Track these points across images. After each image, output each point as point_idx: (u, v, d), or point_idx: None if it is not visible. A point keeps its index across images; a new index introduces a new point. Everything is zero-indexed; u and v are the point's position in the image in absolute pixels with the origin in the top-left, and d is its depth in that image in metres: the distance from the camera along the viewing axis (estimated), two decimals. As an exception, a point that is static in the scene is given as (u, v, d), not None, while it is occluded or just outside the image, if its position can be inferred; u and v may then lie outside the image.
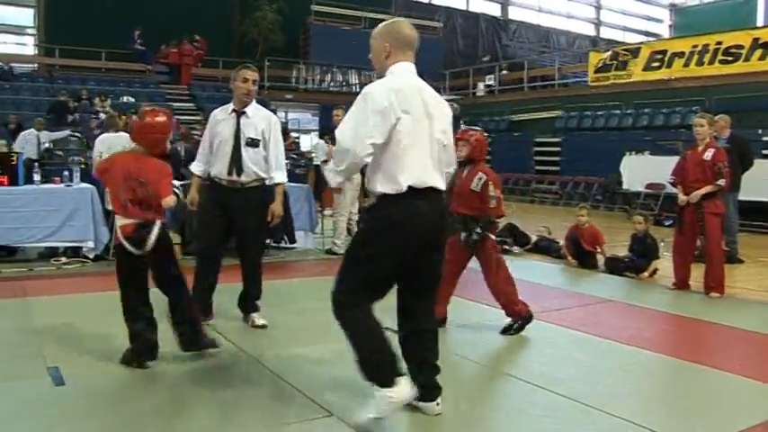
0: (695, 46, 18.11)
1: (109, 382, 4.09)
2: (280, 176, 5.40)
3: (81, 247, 8.07)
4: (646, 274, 7.96)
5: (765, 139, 14.57)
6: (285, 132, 16.24)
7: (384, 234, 3.46)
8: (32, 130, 13.28)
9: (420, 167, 3.45)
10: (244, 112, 5.27)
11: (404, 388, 3.39)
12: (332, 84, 26.99)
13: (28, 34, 25.72)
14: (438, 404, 3.69)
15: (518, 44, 34.81)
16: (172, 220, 8.28)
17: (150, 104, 5.56)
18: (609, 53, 20.70)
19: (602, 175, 17.09)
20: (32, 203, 7.75)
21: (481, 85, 26.09)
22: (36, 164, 8.96)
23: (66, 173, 8.26)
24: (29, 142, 12.61)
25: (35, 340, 4.76)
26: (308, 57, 26.26)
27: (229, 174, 5.17)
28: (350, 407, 3.67)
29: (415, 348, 3.70)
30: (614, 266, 8.22)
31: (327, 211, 10.98)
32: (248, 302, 5.47)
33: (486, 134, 5.61)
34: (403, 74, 3.58)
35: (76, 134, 14.04)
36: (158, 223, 4.16)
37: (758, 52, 16.67)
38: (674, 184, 7.51)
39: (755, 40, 16.86)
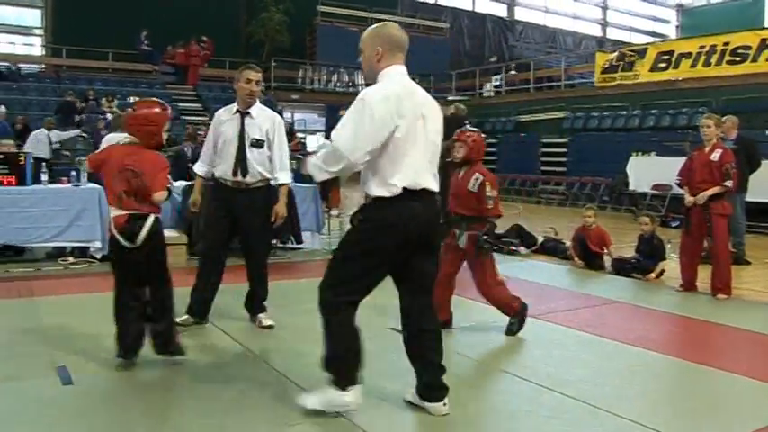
0: (702, 47, 18.05)
1: (116, 381, 4.10)
2: (284, 177, 5.37)
3: (88, 247, 8.08)
4: (653, 275, 7.94)
5: (773, 140, 14.53)
6: (291, 133, 16.29)
7: (377, 236, 3.49)
8: (43, 129, 13.32)
9: (414, 169, 3.47)
10: (248, 113, 5.25)
11: (356, 395, 3.57)
12: (338, 84, 27.02)
13: (35, 35, 25.83)
14: (445, 404, 3.69)
15: (524, 45, 34.83)
16: (179, 220, 8.32)
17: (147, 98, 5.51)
18: (615, 54, 20.66)
19: (608, 176, 17.06)
20: (40, 203, 7.77)
21: (489, 86, 26.08)
22: (44, 163, 9.00)
23: (73, 173, 8.29)
24: (40, 142, 12.66)
25: (43, 340, 4.78)
26: (315, 57, 26.31)
27: (234, 174, 5.17)
28: (361, 408, 3.68)
29: (417, 348, 3.73)
30: (621, 267, 8.21)
31: (334, 212, 11.00)
32: (255, 303, 5.48)
33: (483, 135, 5.59)
34: (396, 78, 3.58)
35: (85, 134, 14.10)
36: (152, 217, 4.13)
37: (766, 53, 16.59)
38: (680, 185, 7.49)
39: (763, 40, 16.79)
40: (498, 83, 26.03)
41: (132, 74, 23.63)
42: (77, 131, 15.10)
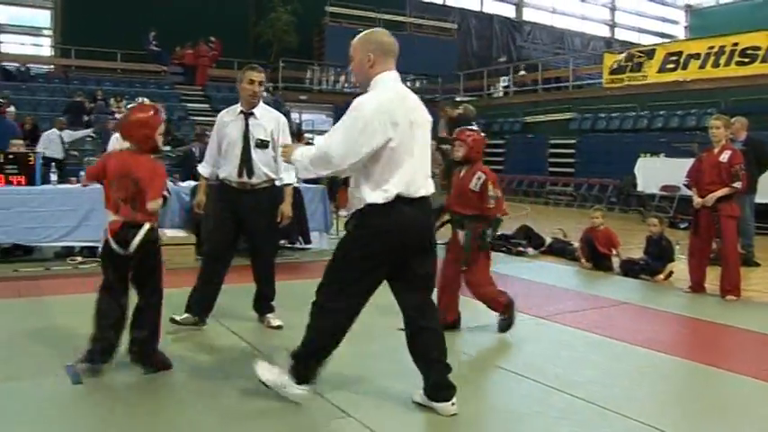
0: (711, 47, 17.99)
1: (125, 380, 4.11)
2: (289, 177, 5.35)
3: (97, 247, 8.07)
4: (661, 276, 7.92)
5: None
6: (300, 133, 16.29)
7: (372, 242, 3.55)
8: (54, 130, 13.35)
9: (407, 175, 3.51)
10: (252, 113, 5.24)
11: (304, 393, 3.73)
12: (346, 85, 27.00)
13: (44, 35, 25.93)
14: (453, 404, 3.70)
15: (532, 45, 34.76)
16: (187, 220, 8.34)
17: (146, 101, 5.43)
18: (623, 55, 20.61)
19: (616, 177, 17.03)
20: (49, 203, 7.81)
21: (499, 86, 26.03)
22: (53, 163, 9.03)
23: (82, 173, 8.32)
24: (52, 142, 12.70)
25: (52, 339, 4.79)
26: (323, 58, 26.31)
27: (239, 175, 5.16)
28: (367, 408, 3.71)
29: (419, 346, 3.75)
30: (629, 269, 8.19)
31: (342, 212, 11.01)
32: (263, 303, 5.48)
33: (483, 134, 5.59)
34: (389, 84, 3.62)
35: (95, 134, 14.14)
36: (147, 225, 4.06)
37: (775, 53, 16.56)
38: (689, 187, 7.47)
39: (772, 41, 16.75)
40: (506, 83, 26.00)
41: (141, 74, 23.68)
42: (89, 131, 15.14)
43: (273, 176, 5.27)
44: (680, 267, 7.93)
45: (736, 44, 17.39)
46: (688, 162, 7.86)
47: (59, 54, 24.54)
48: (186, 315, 5.20)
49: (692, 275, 7.28)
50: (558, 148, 20.62)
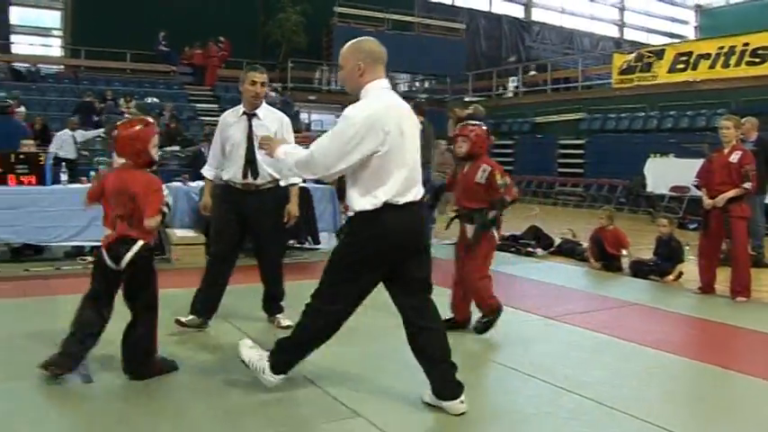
0: (721, 47, 17.91)
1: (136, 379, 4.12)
2: (294, 177, 5.29)
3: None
4: (671, 277, 7.90)
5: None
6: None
7: (362, 248, 3.63)
8: (66, 130, 13.39)
9: (397, 183, 3.55)
10: (255, 114, 5.21)
11: (276, 382, 3.86)
12: (355, 85, 27.00)
13: (54, 36, 26.04)
14: (462, 402, 3.70)
15: (541, 46, 34.69)
16: (197, 220, 8.36)
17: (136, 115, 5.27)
18: (633, 55, 20.54)
19: (625, 178, 16.99)
20: (59, 203, 7.84)
21: (510, 86, 25.98)
22: (63, 163, 9.07)
23: (92, 173, 8.35)
24: (65, 142, 12.74)
25: (62, 338, 4.79)
26: (331, 58, 26.29)
27: (244, 177, 5.14)
28: (375, 407, 3.72)
29: (420, 346, 3.78)
30: (638, 270, 8.17)
31: (351, 212, 11.01)
32: (272, 304, 5.48)
33: (485, 128, 5.57)
34: (379, 94, 3.65)
35: (105, 134, 14.18)
36: (140, 243, 4.01)
37: (786, 54, 16.49)
38: (698, 187, 7.44)
39: (783, 41, 16.67)
40: (515, 84, 25.97)
41: (150, 74, 23.76)
42: (100, 131, 15.20)
43: (278, 177, 5.24)
44: (690, 268, 7.90)
45: (746, 44, 17.31)
46: (698, 162, 7.84)
47: (69, 54, 24.65)
48: (192, 317, 5.20)
49: (701, 276, 7.26)
50: (567, 149, 20.59)
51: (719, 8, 39.77)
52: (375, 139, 3.47)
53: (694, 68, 18.41)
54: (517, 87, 25.89)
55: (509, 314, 6.01)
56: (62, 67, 24.40)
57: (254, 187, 5.17)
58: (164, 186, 4.16)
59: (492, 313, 5.33)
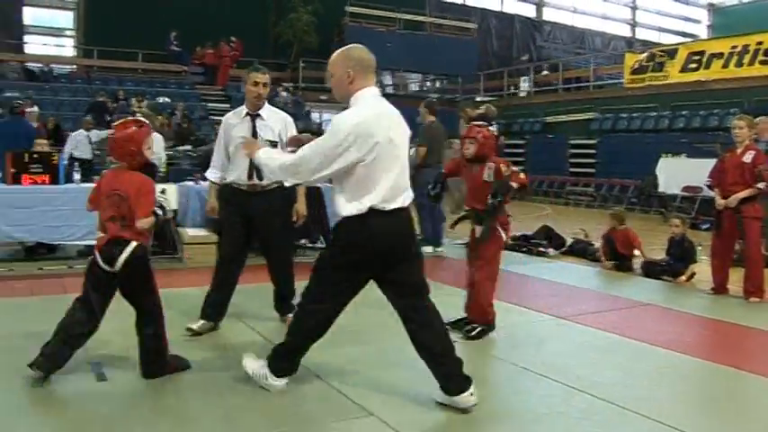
0: (734, 47, 17.82)
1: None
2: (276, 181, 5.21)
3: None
4: (683, 277, 7.87)
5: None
6: (320, 133, 16.31)
7: (348, 252, 3.68)
8: (81, 130, 13.45)
9: (384, 190, 3.60)
10: (258, 115, 5.20)
11: (282, 385, 3.91)
12: (366, 85, 27.00)
13: (67, 36, 26.17)
14: (472, 394, 3.73)
15: (553, 45, 34.62)
16: (209, 219, 8.38)
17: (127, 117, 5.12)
18: (645, 54, 20.48)
19: (637, 178, 16.93)
20: (72, 202, 7.86)
21: (524, 85, 25.89)
22: (76, 162, 9.12)
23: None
24: (80, 143, 12.78)
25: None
26: (343, 58, 26.31)
27: (249, 178, 5.10)
28: (390, 407, 3.74)
29: (420, 344, 3.81)
30: (651, 270, 8.14)
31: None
32: (283, 304, 5.47)
33: (491, 129, 5.55)
34: (369, 101, 3.69)
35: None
36: (134, 244, 3.98)
37: (800, 53, 16.39)
38: (711, 187, 7.41)
39: (797, 40, 16.58)
40: (526, 84, 25.91)
41: (162, 74, 23.84)
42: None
43: None
44: (702, 269, 7.87)
45: (760, 43, 17.22)
46: (710, 162, 7.81)
47: (82, 54, 24.78)
48: (202, 322, 5.19)
49: (714, 277, 7.23)
50: (578, 149, 20.52)
51: (732, 7, 39.55)
52: (363, 147, 3.51)
53: (707, 68, 18.33)
54: (536, 86, 25.79)
55: (521, 314, 6.04)
56: (75, 66, 24.53)
57: (260, 188, 5.14)
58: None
59: (485, 324, 5.29)
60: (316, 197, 7.86)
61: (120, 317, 4.17)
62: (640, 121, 19.30)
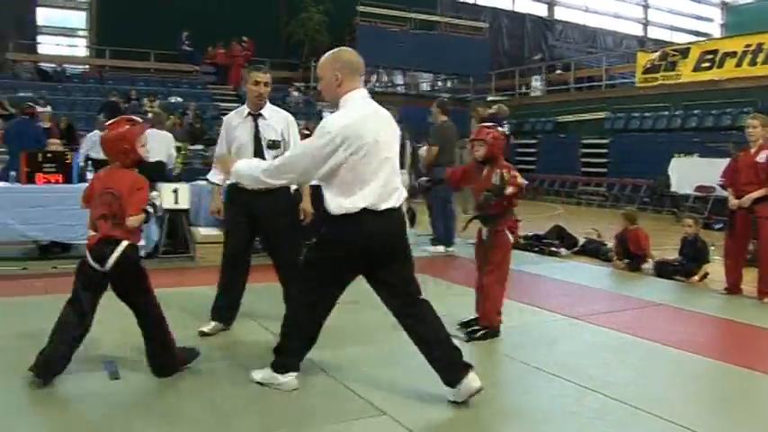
0: (748, 45, 17.70)
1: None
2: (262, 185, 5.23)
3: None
4: (696, 278, 7.84)
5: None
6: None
7: (336, 249, 3.76)
8: (96, 131, 13.49)
9: (374, 189, 3.67)
10: (260, 115, 5.18)
11: (291, 379, 3.94)
12: (377, 84, 27.06)
13: (80, 36, 26.31)
14: (474, 379, 3.76)
15: (564, 45, 34.53)
16: (217, 219, 8.43)
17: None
18: (657, 53, 20.40)
19: (649, 178, 16.86)
20: (86, 201, 7.91)
21: (537, 84, 25.80)
22: (89, 162, 9.16)
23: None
24: (96, 143, 12.80)
25: (89, 335, 4.84)
26: (354, 58, 26.32)
27: None
28: (403, 406, 3.76)
29: (416, 338, 3.88)
30: (663, 270, 8.11)
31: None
32: None
33: (501, 130, 5.52)
34: (357, 104, 3.76)
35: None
36: (125, 243, 3.94)
37: (814, 52, 16.27)
38: (724, 187, 7.38)
39: (812, 38, 16.46)
40: (538, 83, 25.84)
41: (174, 74, 23.94)
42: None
43: None
44: (715, 269, 7.84)
45: (775, 42, 17.12)
46: (723, 162, 7.78)
47: (94, 54, 24.91)
48: (214, 324, 5.19)
49: (728, 277, 7.20)
50: (590, 148, 20.44)
51: (746, 5, 39.25)
52: (350, 148, 3.58)
53: (720, 67, 18.22)
54: (548, 85, 25.71)
55: (533, 314, 6.03)
56: (87, 66, 24.67)
57: (265, 188, 5.12)
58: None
59: (491, 327, 5.26)
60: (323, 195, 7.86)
61: (133, 316, 4.19)
62: (653, 120, 19.21)
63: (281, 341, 3.98)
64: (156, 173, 8.93)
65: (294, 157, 3.77)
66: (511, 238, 5.31)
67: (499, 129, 5.55)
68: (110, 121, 4.20)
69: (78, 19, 26.05)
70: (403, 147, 9.06)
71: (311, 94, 23.27)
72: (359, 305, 4.00)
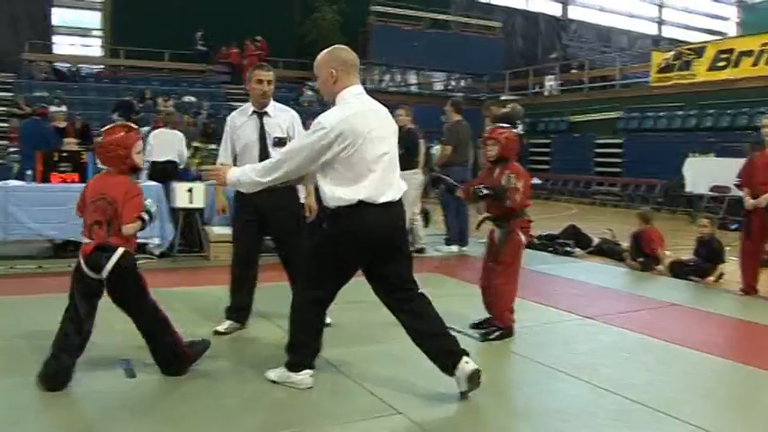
0: (765, 44, 17.50)
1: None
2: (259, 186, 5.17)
3: (147, 244, 8.24)
4: (711, 278, 7.79)
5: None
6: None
7: (335, 243, 3.82)
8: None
9: (372, 183, 3.72)
10: (265, 113, 5.17)
11: (306, 377, 3.97)
12: (391, 84, 27.05)
13: (94, 36, 26.46)
14: (467, 362, 3.82)
15: (578, 44, 34.42)
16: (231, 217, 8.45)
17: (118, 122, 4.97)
18: (672, 53, 20.28)
19: (663, 178, 16.78)
20: (101, 200, 7.94)
21: (551, 83, 25.71)
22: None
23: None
24: None
25: (105, 333, 4.82)
26: (368, 57, 26.34)
27: None
28: (417, 405, 3.75)
29: (416, 330, 3.92)
30: (679, 270, 8.05)
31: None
32: None
33: (517, 129, 5.49)
34: (351, 100, 3.82)
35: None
36: (121, 250, 3.92)
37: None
38: (739, 187, 7.32)
39: (829, 37, 16.31)
40: (552, 83, 25.75)
41: (188, 73, 24.07)
42: (148, 128, 15.40)
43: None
44: (730, 269, 7.78)
45: (792, 41, 16.97)
46: (739, 162, 7.71)
47: (109, 54, 25.05)
48: (229, 323, 5.19)
49: (744, 278, 7.15)
50: (604, 148, 20.37)
51: (763, 3, 38.91)
52: (344, 142, 3.63)
53: (736, 66, 18.07)
54: (561, 85, 25.63)
55: (548, 313, 6.00)
56: (102, 66, 24.80)
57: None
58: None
59: (504, 328, 5.23)
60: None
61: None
62: (667, 120, 19.10)
63: (290, 339, 4.01)
64: (167, 173, 8.96)
65: (289, 153, 3.82)
66: (523, 238, 5.29)
67: (513, 130, 5.52)
68: (105, 128, 4.17)
69: (93, 19, 26.21)
70: (417, 146, 9.06)
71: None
72: (366, 304, 3.98)
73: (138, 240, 7.88)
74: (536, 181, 19.43)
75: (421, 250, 9.15)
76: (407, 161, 8.68)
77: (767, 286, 7.04)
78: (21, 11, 23.49)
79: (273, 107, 5.26)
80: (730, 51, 18.41)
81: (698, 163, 15.53)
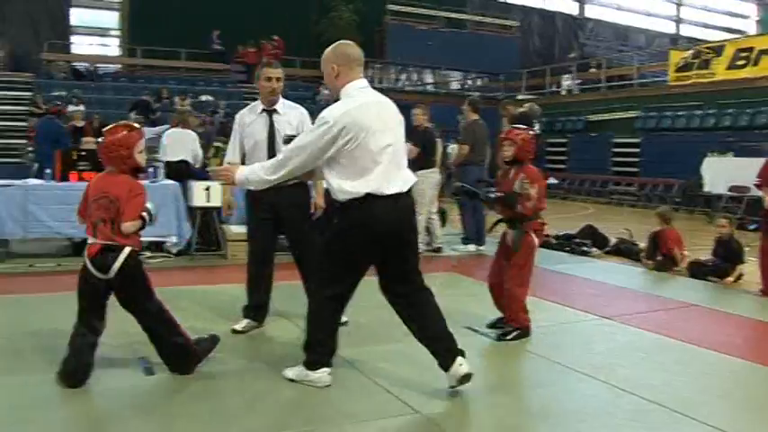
0: (785, 42, 17.40)
1: (195, 372, 4.20)
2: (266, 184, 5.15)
3: (164, 242, 8.29)
4: (730, 278, 7.73)
5: None
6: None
7: (347, 237, 3.84)
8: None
9: (378, 176, 3.74)
10: (275, 110, 5.17)
11: (323, 375, 3.98)
12: (407, 83, 27.04)
13: (112, 36, 26.64)
14: (461, 365, 3.85)
15: (595, 43, 34.26)
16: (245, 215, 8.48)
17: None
18: (690, 51, 20.13)
19: (681, 177, 16.68)
20: (119, 199, 7.98)
21: (570, 82, 25.59)
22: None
23: (150, 169, 8.48)
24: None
25: (122, 331, 4.84)
26: (384, 56, 26.37)
27: None
28: (434, 404, 3.76)
29: (417, 325, 3.98)
30: (697, 270, 8.00)
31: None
32: None
33: (533, 130, 5.46)
34: (355, 94, 3.85)
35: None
36: (127, 249, 3.93)
37: None
38: (759, 187, 7.26)
39: None
40: (569, 82, 25.63)
41: (204, 73, 24.16)
42: (166, 126, 15.50)
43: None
44: (749, 270, 7.72)
45: (813, 38, 16.79)
46: (758, 162, 7.65)
47: (126, 54, 25.20)
48: (246, 322, 5.21)
49: (763, 278, 7.09)
50: (621, 147, 20.25)
51: (783, 1, 38.71)
52: (347, 135, 3.66)
53: (755, 65, 17.87)
54: (580, 84, 25.51)
55: (564, 313, 5.98)
56: (119, 66, 24.96)
57: (283, 183, 5.07)
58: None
59: (520, 328, 5.19)
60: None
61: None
62: (685, 119, 18.94)
63: (307, 337, 4.02)
64: (180, 172, 8.99)
65: (295, 150, 3.83)
66: (536, 240, 5.27)
67: (530, 130, 5.49)
68: (107, 127, 4.17)
69: (110, 19, 26.38)
70: (434, 145, 9.06)
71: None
72: (382, 303, 3.98)
73: (156, 238, 8.07)
74: (553, 180, 19.40)
75: (438, 249, 9.15)
76: (424, 160, 8.71)
77: (788, 287, 6.97)
78: (40, 11, 23.69)
79: (283, 104, 5.26)
80: (750, 50, 18.24)
81: (716, 162, 15.42)
